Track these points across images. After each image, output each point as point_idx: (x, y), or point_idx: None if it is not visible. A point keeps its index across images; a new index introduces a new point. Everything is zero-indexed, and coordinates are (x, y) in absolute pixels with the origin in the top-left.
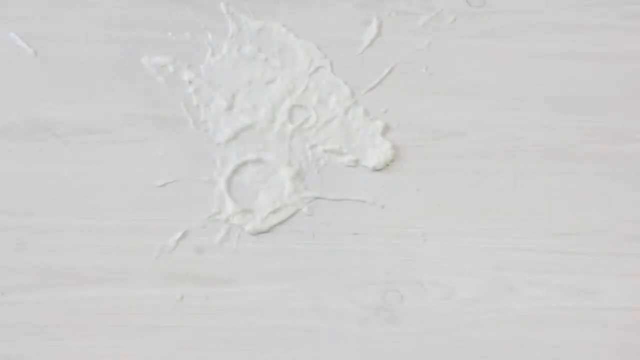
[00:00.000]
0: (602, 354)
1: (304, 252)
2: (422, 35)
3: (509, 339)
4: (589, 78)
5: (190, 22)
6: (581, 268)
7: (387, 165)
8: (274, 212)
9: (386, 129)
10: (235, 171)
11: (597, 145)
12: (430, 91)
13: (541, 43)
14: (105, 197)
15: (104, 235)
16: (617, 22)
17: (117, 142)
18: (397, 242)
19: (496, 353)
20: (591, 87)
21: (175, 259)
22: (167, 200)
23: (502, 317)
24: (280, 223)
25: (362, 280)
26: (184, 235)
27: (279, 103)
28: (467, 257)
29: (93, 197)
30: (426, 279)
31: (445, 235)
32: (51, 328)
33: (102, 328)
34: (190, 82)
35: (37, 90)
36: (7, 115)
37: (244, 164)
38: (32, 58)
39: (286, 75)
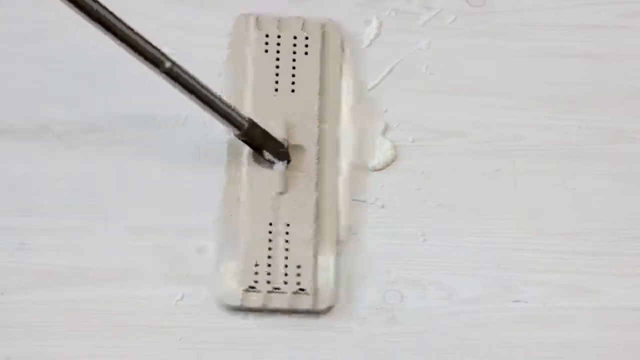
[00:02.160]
0: (602, 354)
1: None
2: (422, 35)
3: (509, 339)
4: (589, 78)
5: (190, 20)
6: (581, 268)
7: (387, 165)
8: None
9: (386, 129)
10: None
11: (597, 145)
12: (430, 91)
13: (541, 43)
14: (105, 197)
15: (104, 235)
16: (617, 22)
17: (117, 142)
18: (397, 242)
19: (496, 353)
20: (591, 87)
21: (175, 259)
22: (167, 200)
23: (502, 317)
24: None
25: (362, 280)
26: (184, 235)
27: None
28: (467, 257)
29: (93, 197)
30: (426, 279)
31: (445, 235)
32: (51, 328)
33: (102, 328)
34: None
35: (37, 90)
36: (7, 115)
37: None
38: (32, 58)
39: None
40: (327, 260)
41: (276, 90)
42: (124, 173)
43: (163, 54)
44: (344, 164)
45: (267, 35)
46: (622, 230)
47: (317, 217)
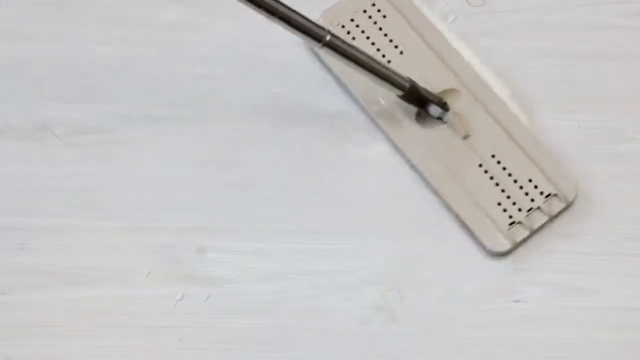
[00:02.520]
0: (602, 354)
1: (304, 252)
2: None
3: (509, 339)
4: (590, 78)
5: (190, 20)
6: (581, 268)
7: None
8: None
9: None
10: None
11: (597, 145)
12: None
13: (541, 43)
14: (105, 197)
15: (104, 235)
16: (617, 22)
17: (117, 142)
18: (397, 242)
19: (496, 353)
20: (591, 87)
21: (175, 259)
22: (167, 200)
23: (502, 317)
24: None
25: (362, 280)
26: (183, 236)
27: None
28: (467, 256)
29: (93, 197)
30: (426, 279)
31: (445, 234)
32: (51, 328)
33: (102, 328)
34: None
35: (37, 90)
36: (7, 115)
37: None
38: (32, 58)
39: None
40: (544, 157)
41: (388, 61)
42: (124, 173)
43: (322, 28)
44: (494, 83)
45: (343, 26)
46: (622, 230)
47: (509, 134)
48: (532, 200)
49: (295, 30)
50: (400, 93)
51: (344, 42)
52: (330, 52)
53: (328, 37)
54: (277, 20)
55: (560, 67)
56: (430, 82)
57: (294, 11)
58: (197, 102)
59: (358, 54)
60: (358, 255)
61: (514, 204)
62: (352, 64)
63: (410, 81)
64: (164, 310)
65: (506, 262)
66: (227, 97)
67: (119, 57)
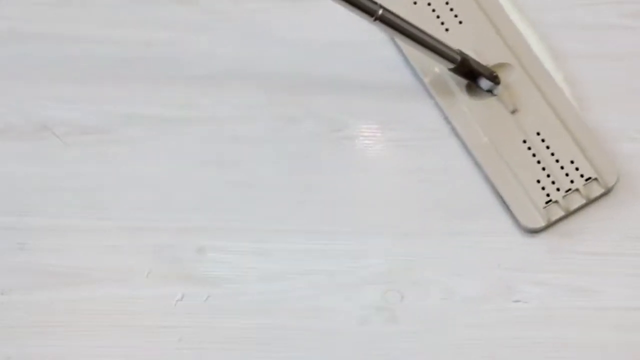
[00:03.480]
0: (602, 354)
1: (304, 252)
2: None
3: (509, 339)
4: (589, 78)
5: (189, 20)
6: (581, 268)
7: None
8: None
9: None
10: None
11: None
12: None
13: (541, 43)
14: (105, 197)
15: (104, 235)
16: (617, 22)
17: (117, 142)
18: (397, 242)
19: (496, 353)
20: (591, 87)
21: (175, 259)
22: (167, 200)
23: (502, 317)
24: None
25: (362, 280)
26: (183, 236)
27: None
28: (467, 256)
29: (93, 197)
30: (426, 279)
31: (445, 235)
32: (51, 328)
33: (102, 328)
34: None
35: (37, 90)
36: (7, 115)
37: None
38: (32, 58)
39: None
40: (589, 141)
41: (446, 30)
42: (124, 173)
43: (374, 2)
44: (546, 60)
45: None
46: (623, 229)
47: (557, 113)
48: (572, 181)
49: (346, 4)
50: (452, 66)
51: (396, 16)
52: (383, 26)
53: (380, 12)
54: None
55: (561, 67)
56: (485, 54)
57: None
58: (197, 102)
59: (410, 28)
60: (358, 255)
61: (552, 183)
62: (404, 38)
63: (462, 54)
64: (164, 310)
65: (508, 262)
66: (227, 97)
67: (119, 57)
